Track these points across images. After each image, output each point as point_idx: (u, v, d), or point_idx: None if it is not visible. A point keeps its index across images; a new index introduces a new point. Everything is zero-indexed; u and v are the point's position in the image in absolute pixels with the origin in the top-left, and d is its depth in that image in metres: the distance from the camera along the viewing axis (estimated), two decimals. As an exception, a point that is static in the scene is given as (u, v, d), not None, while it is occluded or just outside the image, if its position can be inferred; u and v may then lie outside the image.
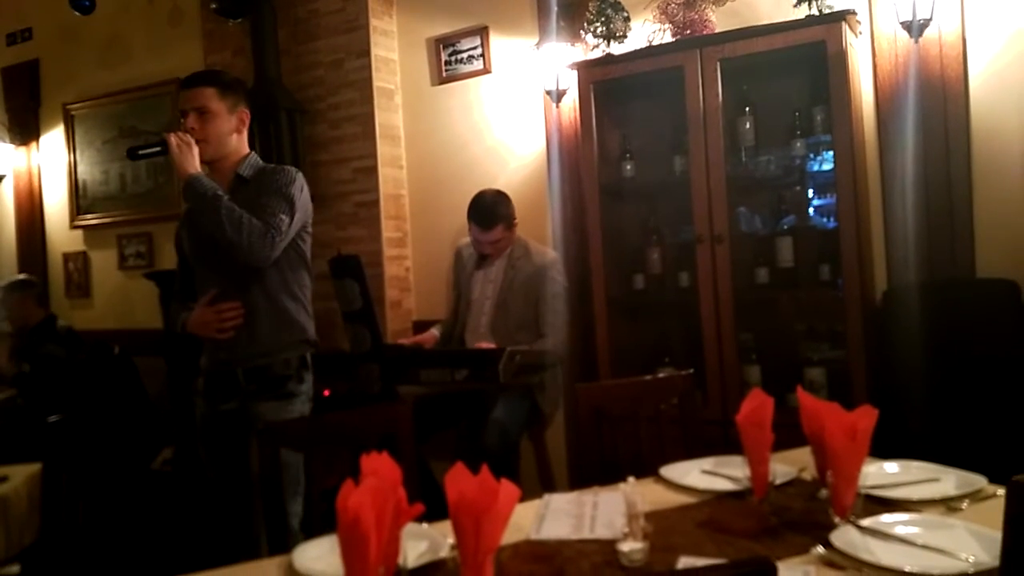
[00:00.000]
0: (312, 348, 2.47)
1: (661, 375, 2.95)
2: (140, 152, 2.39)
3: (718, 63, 2.97)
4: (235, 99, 2.39)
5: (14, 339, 4.11)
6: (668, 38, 3.19)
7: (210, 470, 2.43)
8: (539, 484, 3.46)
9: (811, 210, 3.21)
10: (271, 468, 1.88)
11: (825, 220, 3.15)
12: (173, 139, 2.28)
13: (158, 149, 2.33)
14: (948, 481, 1.62)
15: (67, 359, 3.86)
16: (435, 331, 3.50)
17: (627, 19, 3.32)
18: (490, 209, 3.26)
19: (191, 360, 3.49)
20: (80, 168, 5.37)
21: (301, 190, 2.37)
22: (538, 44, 3.63)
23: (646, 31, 3.27)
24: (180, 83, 2.46)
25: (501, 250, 3.34)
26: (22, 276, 4.37)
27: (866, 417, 1.45)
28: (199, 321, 2.35)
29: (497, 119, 3.93)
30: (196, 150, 2.29)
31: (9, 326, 4.14)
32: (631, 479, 1.41)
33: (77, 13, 4.63)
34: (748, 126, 3.14)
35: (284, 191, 2.32)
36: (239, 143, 2.42)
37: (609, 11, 3.27)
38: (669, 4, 3.18)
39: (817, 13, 2.84)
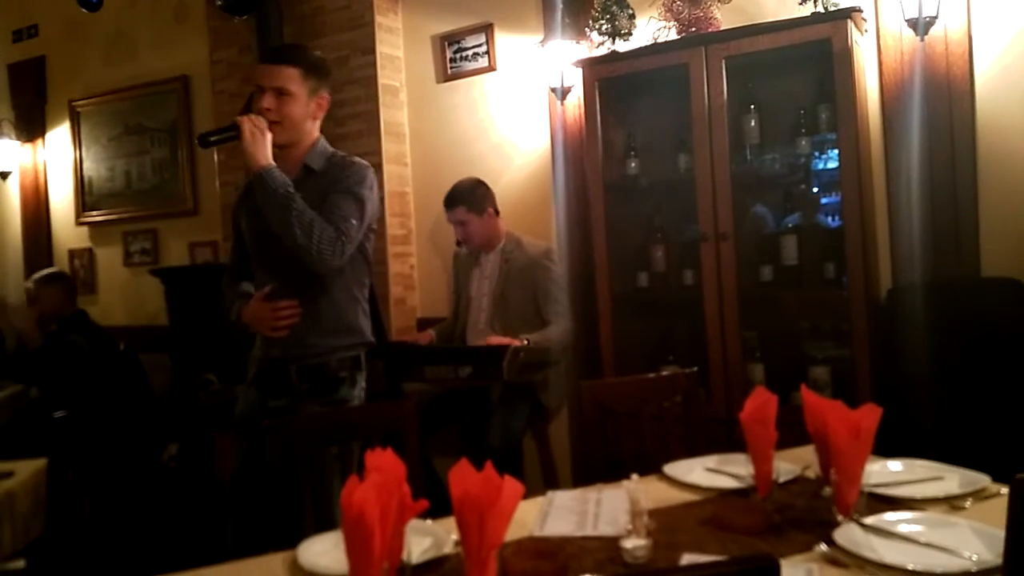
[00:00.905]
0: (367, 348, 2.36)
1: (665, 373, 2.95)
2: (212, 139, 2.24)
3: (723, 61, 2.96)
4: (317, 82, 2.26)
5: (42, 331, 4.13)
6: (673, 35, 3.18)
7: (236, 461, 2.30)
8: (543, 481, 3.47)
9: (816, 208, 3.21)
10: (283, 464, 1.89)
11: (830, 218, 3.14)
12: (247, 124, 2.14)
13: (232, 134, 2.18)
14: (952, 480, 1.62)
15: (90, 352, 3.88)
16: (432, 332, 3.51)
17: (632, 16, 3.32)
18: (454, 190, 3.36)
19: (198, 357, 3.47)
20: (86, 165, 5.38)
21: (372, 188, 2.25)
22: (543, 41, 3.62)
23: (651, 28, 3.27)
24: (260, 56, 2.32)
25: (471, 236, 3.36)
26: (54, 269, 4.39)
27: (870, 415, 1.45)
28: (254, 316, 2.25)
29: (502, 116, 3.93)
30: (269, 137, 2.16)
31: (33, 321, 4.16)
32: (635, 476, 1.42)
33: (83, 10, 4.63)
34: (753, 124, 3.14)
35: (355, 191, 2.19)
36: (312, 128, 2.29)
37: (614, 8, 3.28)
38: (674, 1, 3.17)
39: (823, 11, 2.83)
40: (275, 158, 2.19)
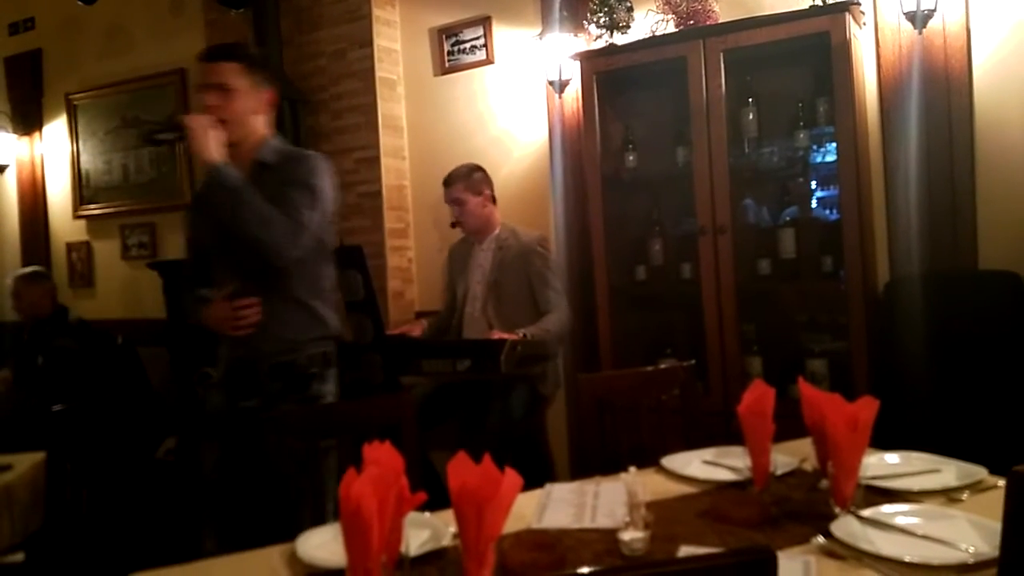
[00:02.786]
0: (335, 343, 2.33)
1: (663, 366, 2.95)
2: (157, 136, 2.22)
3: (721, 54, 2.96)
4: (261, 76, 2.24)
5: (23, 330, 4.13)
6: (671, 28, 3.18)
7: (214, 467, 2.27)
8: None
9: (814, 201, 3.21)
10: (281, 458, 1.89)
11: (828, 212, 3.14)
12: (191, 122, 2.11)
13: (177, 135, 2.16)
14: (949, 472, 1.63)
15: (80, 351, 3.87)
16: (424, 322, 3.52)
17: (630, 9, 3.31)
18: (453, 171, 3.40)
19: (196, 351, 3.44)
20: (83, 158, 5.37)
21: (326, 179, 2.22)
22: (541, 34, 3.62)
23: (649, 21, 3.26)
24: (199, 56, 2.26)
25: (466, 216, 3.36)
26: (34, 268, 4.39)
27: (867, 408, 1.46)
28: (216, 317, 2.21)
29: (500, 110, 3.92)
30: (217, 133, 2.12)
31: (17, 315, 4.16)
32: (632, 469, 1.42)
33: (79, 3, 4.62)
34: (751, 117, 3.14)
35: (309, 182, 2.17)
36: (260, 125, 2.26)
37: (612, 1, 3.27)
38: (672, -6, 3.17)
39: (821, 3, 2.83)
40: (226, 155, 2.18)
